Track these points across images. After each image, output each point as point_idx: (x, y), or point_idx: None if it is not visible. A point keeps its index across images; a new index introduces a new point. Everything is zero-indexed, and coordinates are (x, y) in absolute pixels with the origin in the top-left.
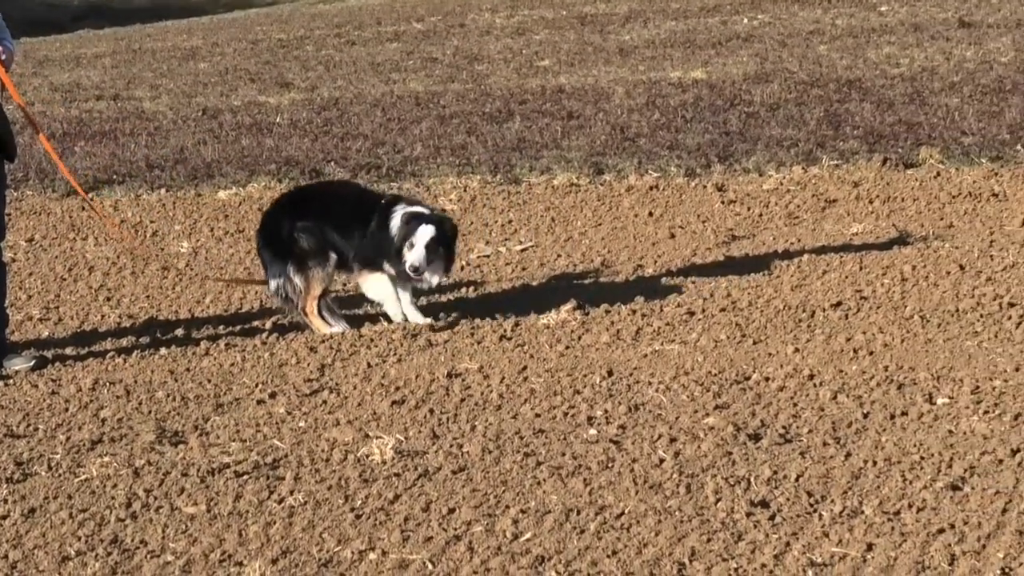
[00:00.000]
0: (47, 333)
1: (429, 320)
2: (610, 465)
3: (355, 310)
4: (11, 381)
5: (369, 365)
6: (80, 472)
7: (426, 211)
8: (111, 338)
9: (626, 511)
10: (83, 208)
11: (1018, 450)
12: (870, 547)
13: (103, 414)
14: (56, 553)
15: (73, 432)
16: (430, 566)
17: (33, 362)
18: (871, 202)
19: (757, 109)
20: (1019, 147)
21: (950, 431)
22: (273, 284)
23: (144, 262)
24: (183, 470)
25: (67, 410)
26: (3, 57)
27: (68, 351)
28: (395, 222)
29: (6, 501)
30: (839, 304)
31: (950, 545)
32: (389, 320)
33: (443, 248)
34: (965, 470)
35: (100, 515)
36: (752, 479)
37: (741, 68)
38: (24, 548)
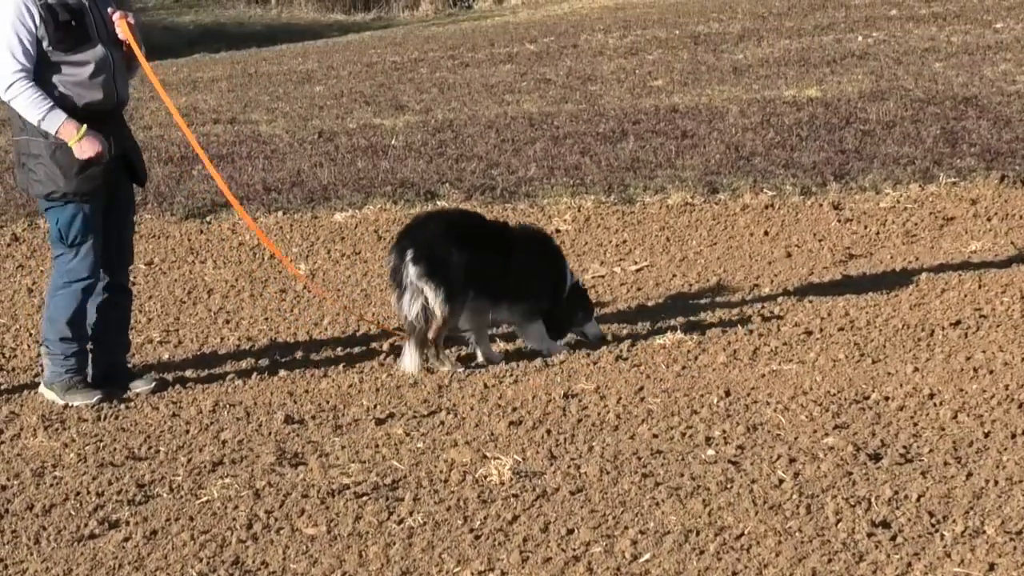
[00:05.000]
0: (167, 356)
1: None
2: (729, 486)
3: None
4: (132, 404)
5: (486, 386)
6: (201, 494)
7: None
8: (231, 360)
9: (746, 532)
10: (201, 232)
11: None
12: (992, 567)
13: (224, 436)
14: (178, 575)
15: (194, 454)
16: None
17: (153, 384)
18: (989, 219)
19: (873, 127)
20: None
21: None
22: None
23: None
24: (303, 491)
25: (188, 432)
26: (132, 21)
27: (188, 373)
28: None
29: (128, 523)
30: (958, 323)
31: None
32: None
33: None
34: None
35: (222, 536)
36: (873, 499)
37: (856, 86)
38: (146, 570)
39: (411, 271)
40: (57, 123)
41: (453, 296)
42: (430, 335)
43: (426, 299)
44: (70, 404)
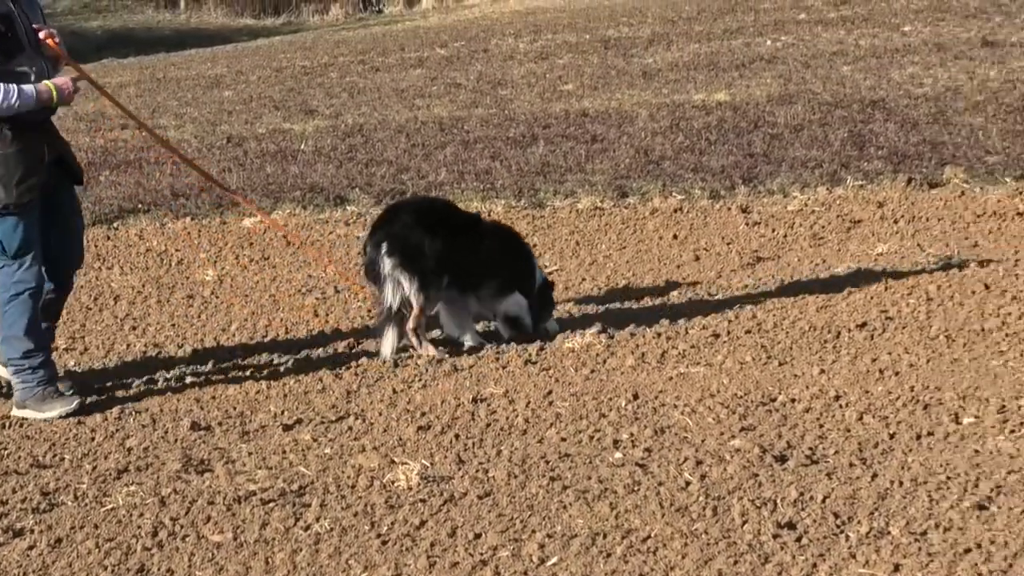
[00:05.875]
0: (73, 363)
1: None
2: (636, 488)
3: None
4: None
5: (394, 391)
6: (106, 501)
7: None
8: (137, 367)
9: (652, 534)
10: (107, 238)
11: None
12: (897, 568)
13: (129, 443)
14: None
15: (99, 461)
16: None
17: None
18: (896, 222)
19: (781, 131)
20: None
21: (976, 451)
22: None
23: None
24: (209, 498)
25: (93, 439)
26: (58, 39)
27: (94, 381)
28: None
29: (32, 531)
30: (864, 325)
31: (977, 565)
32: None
33: None
34: (992, 490)
35: (127, 544)
36: (778, 501)
37: (765, 90)
38: None
39: (387, 263)
40: (31, 95)
41: (427, 285)
42: (410, 324)
43: (403, 289)
44: (50, 419)
